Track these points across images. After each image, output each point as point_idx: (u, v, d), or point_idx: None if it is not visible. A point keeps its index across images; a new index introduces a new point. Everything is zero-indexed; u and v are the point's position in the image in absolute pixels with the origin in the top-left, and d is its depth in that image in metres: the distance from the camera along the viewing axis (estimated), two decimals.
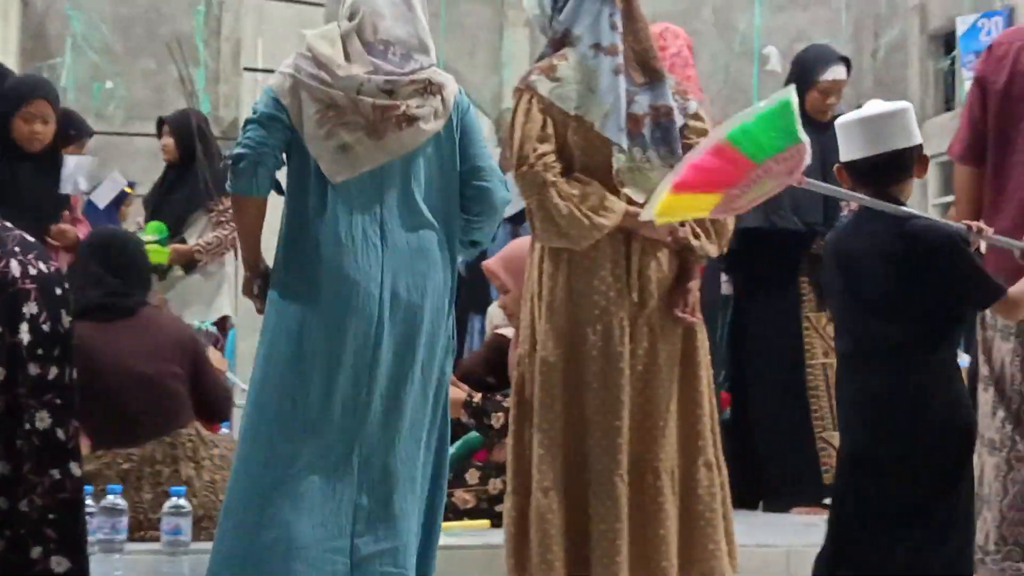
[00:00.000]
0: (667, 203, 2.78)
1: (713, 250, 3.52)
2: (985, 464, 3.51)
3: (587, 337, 3.41)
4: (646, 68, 3.50)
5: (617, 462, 3.34)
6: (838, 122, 3.27)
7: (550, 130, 3.43)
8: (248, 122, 3.27)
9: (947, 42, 12.38)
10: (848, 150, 3.17)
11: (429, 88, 3.29)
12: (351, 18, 3.29)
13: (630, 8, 3.53)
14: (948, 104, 13.12)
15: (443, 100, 3.31)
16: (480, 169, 3.42)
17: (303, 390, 3.18)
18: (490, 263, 4.33)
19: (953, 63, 10.86)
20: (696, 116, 3.53)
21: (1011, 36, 3.67)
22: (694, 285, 3.47)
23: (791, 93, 2.75)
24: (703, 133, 3.46)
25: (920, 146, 3.18)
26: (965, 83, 7.25)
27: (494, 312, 5.12)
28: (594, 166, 3.44)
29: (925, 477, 3.06)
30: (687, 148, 3.38)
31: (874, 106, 3.24)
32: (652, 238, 3.43)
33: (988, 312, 3.42)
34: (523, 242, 4.16)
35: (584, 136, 3.43)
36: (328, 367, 3.19)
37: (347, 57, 3.24)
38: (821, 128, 4.63)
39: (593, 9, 3.50)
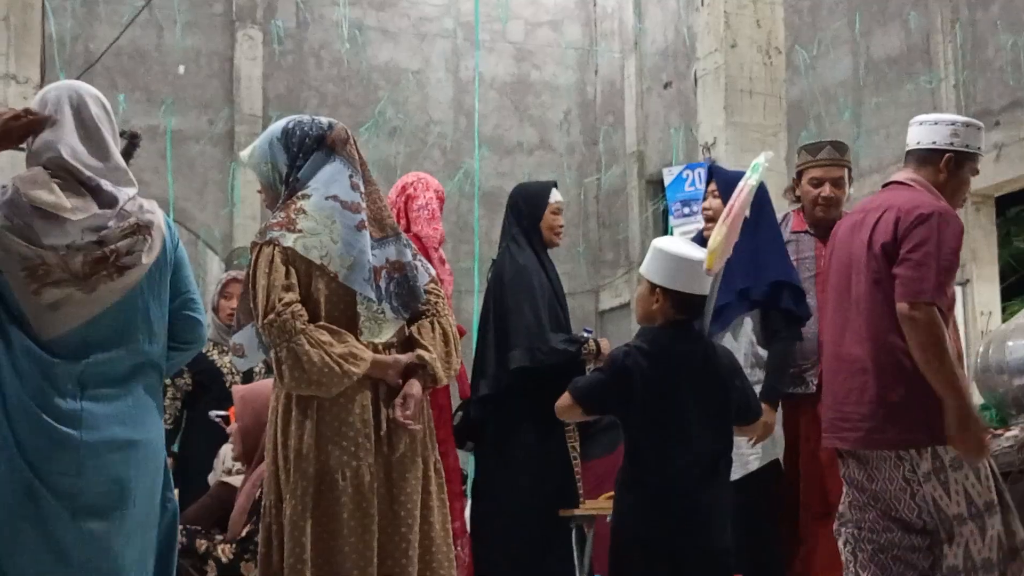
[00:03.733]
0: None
1: (442, 374, 3.63)
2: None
3: (336, 483, 3.45)
4: (382, 225, 3.64)
5: None
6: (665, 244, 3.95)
7: (294, 280, 3.48)
8: None
9: (663, 186, 13.10)
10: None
11: (138, 230, 3.26)
12: (48, 159, 3.23)
13: (365, 172, 3.68)
14: None
15: (152, 237, 3.28)
16: (191, 300, 3.43)
17: None
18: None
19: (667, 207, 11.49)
20: (432, 283, 3.72)
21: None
22: (415, 391, 3.55)
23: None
24: (438, 296, 3.69)
25: None
26: (673, 229, 7.67)
27: (225, 452, 5.04)
28: (338, 315, 3.52)
29: None
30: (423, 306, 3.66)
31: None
32: (394, 385, 3.54)
33: None
34: (265, 385, 4.18)
35: (328, 285, 3.50)
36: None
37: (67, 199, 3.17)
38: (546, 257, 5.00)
39: (334, 170, 3.60)
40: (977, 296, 10.75)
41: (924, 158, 3.95)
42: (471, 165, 13.59)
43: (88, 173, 3.23)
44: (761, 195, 4.68)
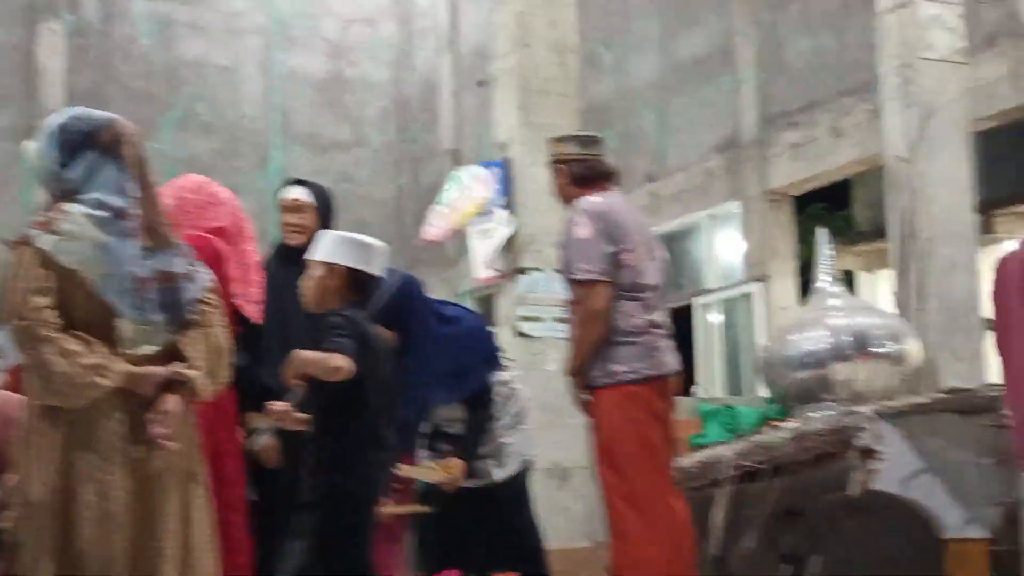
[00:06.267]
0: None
1: (206, 390, 3.53)
2: None
3: (79, 496, 3.33)
4: (155, 234, 3.50)
5: None
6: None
7: (51, 284, 3.32)
8: None
9: None
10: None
11: None
12: None
13: (143, 174, 3.52)
14: None
15: None
16: None
17: None
18: None
19: None
20: (209, 291, 3.59)
21: None
22: (173, 407, 3.43)
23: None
24: (212, 306, 3.57)
25: None
26: (466, 228, 7.71)
27: None
28: (95, 323, 3.37)
29: None
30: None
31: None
32: (151, 398, 3.42)
33: None
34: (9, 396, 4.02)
35: (84, 292, 3.36)
36: None
37: None
38: (292, 255, 4.77)
39: (104, 172, 3.46)
40: (775, 292, 11.08)
41: None
42: (284, 161, 13.44)
43: None
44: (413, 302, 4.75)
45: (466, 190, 4.24)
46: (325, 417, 4.14)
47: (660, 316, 4.84)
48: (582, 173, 4.93)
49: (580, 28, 13.22)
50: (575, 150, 5.01)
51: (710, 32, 11.90)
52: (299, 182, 5.27)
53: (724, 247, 12.03)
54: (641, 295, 4.77)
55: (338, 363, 4.01)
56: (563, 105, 7.41)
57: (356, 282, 4.26)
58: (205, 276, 3.65)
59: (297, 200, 5.13)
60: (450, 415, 4.86)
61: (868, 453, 5.63)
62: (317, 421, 4.16)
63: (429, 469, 4.61)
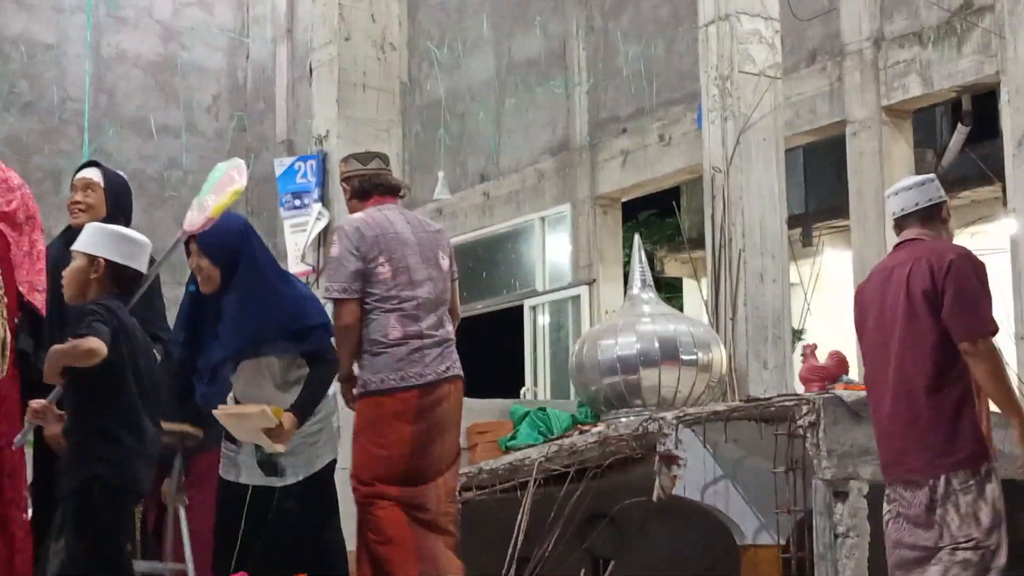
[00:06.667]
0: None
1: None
2: None
3: None
4: None
5: None
6: None
7: None
8: None
9: None
10: None
11: None
12: None
13: None
14: None
15: None
16: None
17: None
18: None
19: None
20: None
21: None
22: None
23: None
24: None
25: None
26: (284, 221, 7.58)
27: None
28: None
29: None
30: None
31: None
32: None
33: None
34: None
35: None
36: None
37: None
38: (74, 237, 4.53)
39: None
40: (603, 295, 11.18)
41: (926, 215, 4.37)
42: (110, 145, 13.08)
43: None
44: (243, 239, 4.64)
45: (225, 180, 4.16)
46: (79, 405, 4.02)
47: (429, 325, 4.90)
48: (360, 188, 5.11)
49: (413, 25, 13.21)
50: (355, 167, 5.19)
51: (546, 34, 11.95)
52: (94, 164, 5.17)
53: (555, 250, 12.09)
54: (401, 306, 4.85)
55: (90, 345, 3.92)
56: (382, 100, 7.33)
57: (117, 276, 4.18)
58: None
59: (86, 178, 5.08)
60: (289, 376, 4.71)
61: (670, 459, 5.70)
62: (73, 411, 4.03)
63: (259, 410, 4.39)
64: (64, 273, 4.25)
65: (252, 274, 4.52)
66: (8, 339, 3.56)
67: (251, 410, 4.42)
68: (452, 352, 4.97)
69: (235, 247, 4.52)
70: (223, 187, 4.30)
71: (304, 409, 4.56)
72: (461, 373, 5.00)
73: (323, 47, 7.35)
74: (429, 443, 4.83)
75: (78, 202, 5.05)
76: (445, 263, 5.04)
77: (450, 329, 5.01)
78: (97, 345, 3.92)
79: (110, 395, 4.03)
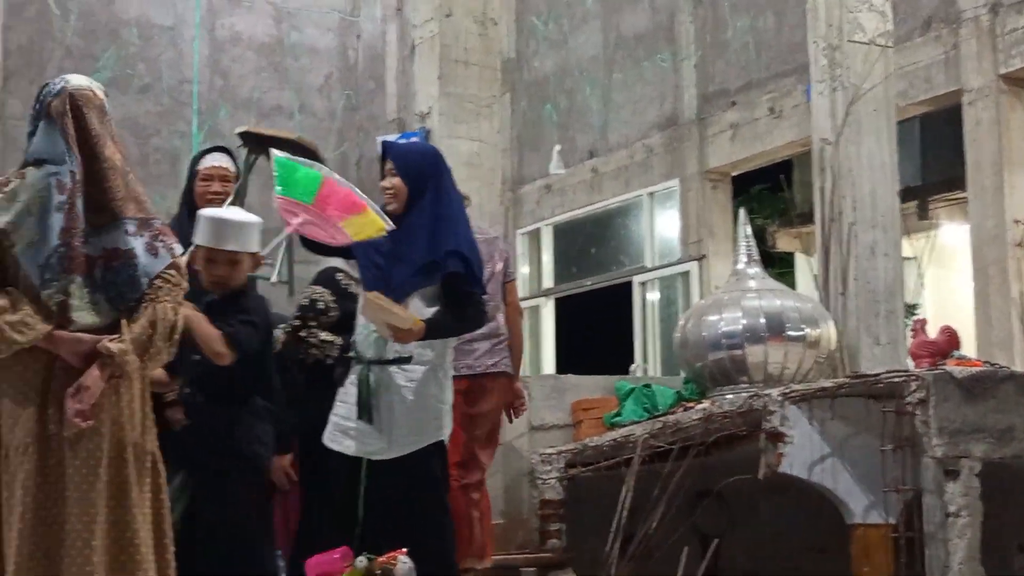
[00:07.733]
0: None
1: (132, 366, 3.43)
2: None
3: None
4: (103, 209, 3.44)
5: None
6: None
7: None
8: None
9: None
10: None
11: None
12: None
13: (91, 148, 3.44)
14: None
15: None
16: None
17: None
18: None
19: None
20: (171, 268, 3.53)
21: None
22: (91, 382, 3.35)
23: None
24: (174, 284, 3.50)
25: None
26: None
27: None
28: (26, 286, 3.36)
29: None
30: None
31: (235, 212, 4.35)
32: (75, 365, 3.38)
33: None
34: None
35: (12, 257, 3.36)
36: None
37: None
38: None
39: (53, 143, 3.43)
40: (713, 271, 11.06)
41: None
42: (225, 126, 13.28)
43: None
44: (436, 166, 4.64)
45: (347, 202, 4.21)
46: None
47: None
48: None
49: (520, 1, 13.17)
50: None
51: (652, 8, 11.83)
52: (223, 149, 5.19)
53: (664, 225, 11.99)
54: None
55: (222, 351, 4.24)
56: (484, 75, 7.31)
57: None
58: (169, 251, 3.54)
59: (222, 168, 5.07)
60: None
61: (776, 436, 5.61)
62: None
63: (406, 313, 4.44)
64: (228, 273, 4.42)
65: (440, 196, 4.59)
66: (179, 325, 3.58)
67: (399, 309, 4.46)
68: (502, 348, 5.48)
69: (427, 172, 4.59)
70: (349, 207, 4.36)
71: (436, 325, 4.52)
72: (509, 370, 5.51)
73: (424, 24, 7.36)
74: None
75: (218, 193, 5.00)
76: (499, 267, 5.59)
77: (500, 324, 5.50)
78: (228, 356, 4.26)
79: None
